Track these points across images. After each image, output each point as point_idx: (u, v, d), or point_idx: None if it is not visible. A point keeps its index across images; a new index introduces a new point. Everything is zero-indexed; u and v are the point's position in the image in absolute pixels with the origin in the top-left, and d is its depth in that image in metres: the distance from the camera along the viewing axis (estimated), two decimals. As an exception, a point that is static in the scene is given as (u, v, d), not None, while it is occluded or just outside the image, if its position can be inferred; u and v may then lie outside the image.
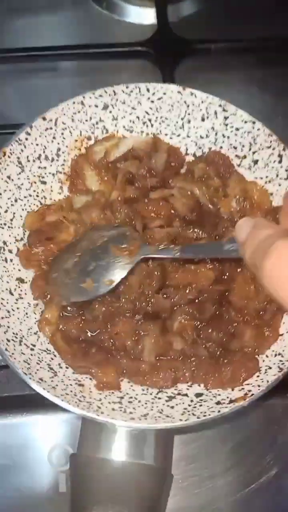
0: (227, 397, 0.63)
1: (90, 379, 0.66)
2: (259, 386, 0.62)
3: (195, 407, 0.63)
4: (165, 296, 0.68)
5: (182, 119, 0.81)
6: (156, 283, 0.68)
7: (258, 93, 0.99)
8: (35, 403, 0.69)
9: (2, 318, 0.66)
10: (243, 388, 0.63)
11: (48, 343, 0.68)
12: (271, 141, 0.76)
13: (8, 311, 0.67)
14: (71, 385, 0.64)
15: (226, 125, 0.79)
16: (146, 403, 0.64)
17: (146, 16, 1.07)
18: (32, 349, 0.66)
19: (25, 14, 1.07)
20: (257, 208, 0.75)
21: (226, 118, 0.79)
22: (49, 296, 0.69)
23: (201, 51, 0.98)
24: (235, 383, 0.63)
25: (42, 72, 1.00)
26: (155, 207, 0.74)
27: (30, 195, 0.76)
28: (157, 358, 0.66)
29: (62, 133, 0.79)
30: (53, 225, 0.73)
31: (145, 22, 1.06)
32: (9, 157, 0.74)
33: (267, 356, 0.66)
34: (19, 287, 0.71)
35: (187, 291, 0.68)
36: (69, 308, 0.68)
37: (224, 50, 0.98)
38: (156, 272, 0.68)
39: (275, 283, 0.42)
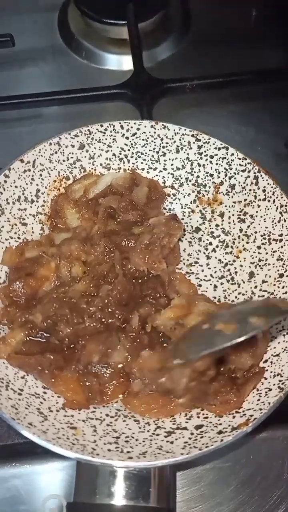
0: (229, 425, 0.59)
1: (83, 421, 0.62)
2: (260, 409, 0.59)
3: (196, 439, 0.59)
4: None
5: (157, 152, 0.82)
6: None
7: (236, 127, 1.01)
8: (25, 453, 0.65)
9: None
10: (244, 414, 0.60)
11: (37, 387, 0.65)
12: (245, 164, 0.77)
13: (-8, 356, 0.65)
14: (63, 428, 0.61)
15: (201, 154, 0.81)
16: (144, 441, 0.60)
17: (124, 63, 1.11)
18: (20, 394, 0.63)
19: (8, 67, 1.10)
20: None
21: (199, 147, 0.80)
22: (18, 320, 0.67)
23: (177, 89, 1.01)
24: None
25: (26, 120, 1.01)
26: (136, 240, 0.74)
27: (11, 237, 0.75)
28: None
29: (41, 174, 0.79)
30: (33, 261, 0.71)
31: (123, 68, 1.11)
32: (-12, 200, 0.74)
33: (265, 379, 0.63)
34: (2, 329, 0.68)
35: None
36: (33, 331, 0.66)
37: (200, 87, 1.01)
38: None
39: None
